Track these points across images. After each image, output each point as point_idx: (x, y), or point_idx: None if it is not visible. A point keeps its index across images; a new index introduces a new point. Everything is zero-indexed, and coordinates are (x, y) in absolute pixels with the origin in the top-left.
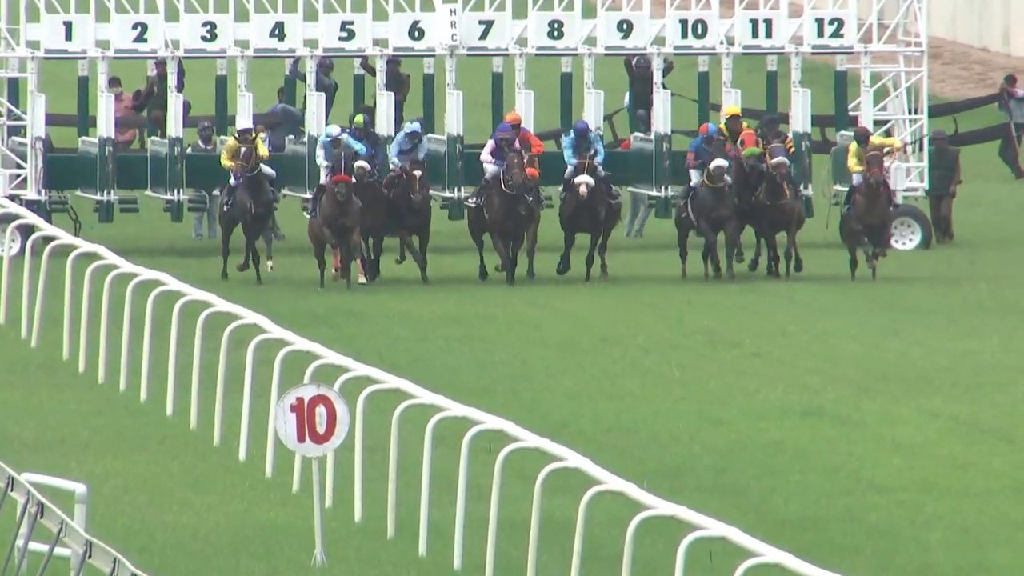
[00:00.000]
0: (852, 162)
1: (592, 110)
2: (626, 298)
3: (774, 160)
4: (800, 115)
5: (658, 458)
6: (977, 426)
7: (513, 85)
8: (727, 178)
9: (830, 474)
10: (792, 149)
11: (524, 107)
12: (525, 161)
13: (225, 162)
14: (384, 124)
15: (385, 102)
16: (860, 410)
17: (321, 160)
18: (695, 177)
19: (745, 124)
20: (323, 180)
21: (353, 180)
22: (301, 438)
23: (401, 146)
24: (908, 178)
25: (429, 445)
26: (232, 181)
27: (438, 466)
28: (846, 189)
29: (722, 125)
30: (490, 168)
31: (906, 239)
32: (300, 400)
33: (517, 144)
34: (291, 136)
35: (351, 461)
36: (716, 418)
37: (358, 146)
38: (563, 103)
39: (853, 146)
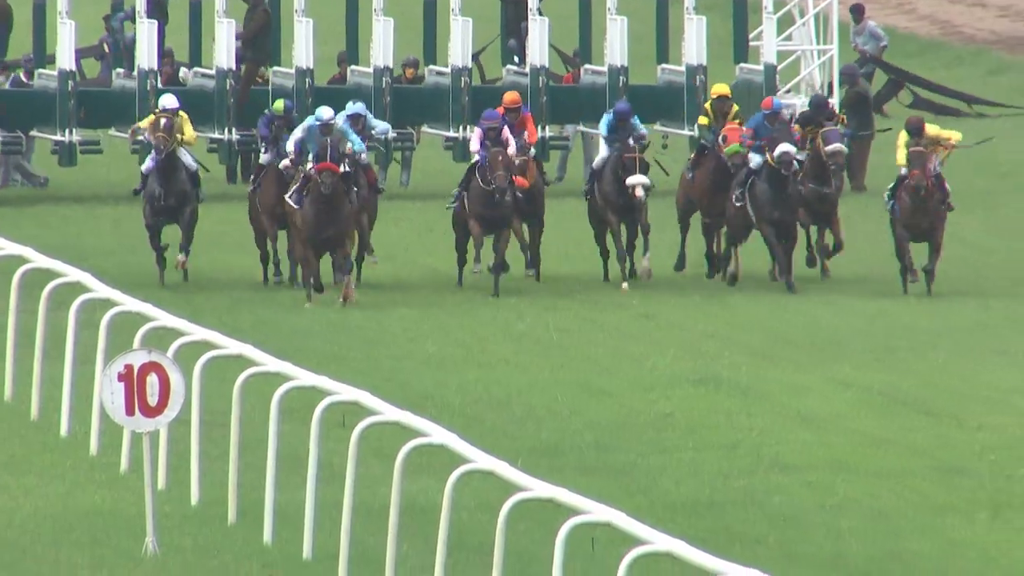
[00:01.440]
0: (900, 155)
1: (459, 41)
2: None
3: (830, 147)
4: (695, 46)
5: (534, 434)
6: (893, 397)
7: (370, 12)
8: (795, 165)
9: (728, 451)
10: (845, 123)
11: (382, 37)
12: (516, 163)
13: (142, 123)
14: (224, 57)
15: (224, 32)
16: (762, 379)
17: (290, 145)
18: (755, 160)
19: (735, 107)
20: (308, 166)
21: (342, 169)
22: (130, 411)
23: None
24: None
25: (275, 419)
26: (147, 163)
27: (285, 443)
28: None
29: (707, 105)
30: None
31: None
32: (129, 368)
33: (507, 133)
34: (119, 70)
35: (187, 437)
36: (599, 389)
37: (356, 141)
38: (427, 33)
39: (903, 137)
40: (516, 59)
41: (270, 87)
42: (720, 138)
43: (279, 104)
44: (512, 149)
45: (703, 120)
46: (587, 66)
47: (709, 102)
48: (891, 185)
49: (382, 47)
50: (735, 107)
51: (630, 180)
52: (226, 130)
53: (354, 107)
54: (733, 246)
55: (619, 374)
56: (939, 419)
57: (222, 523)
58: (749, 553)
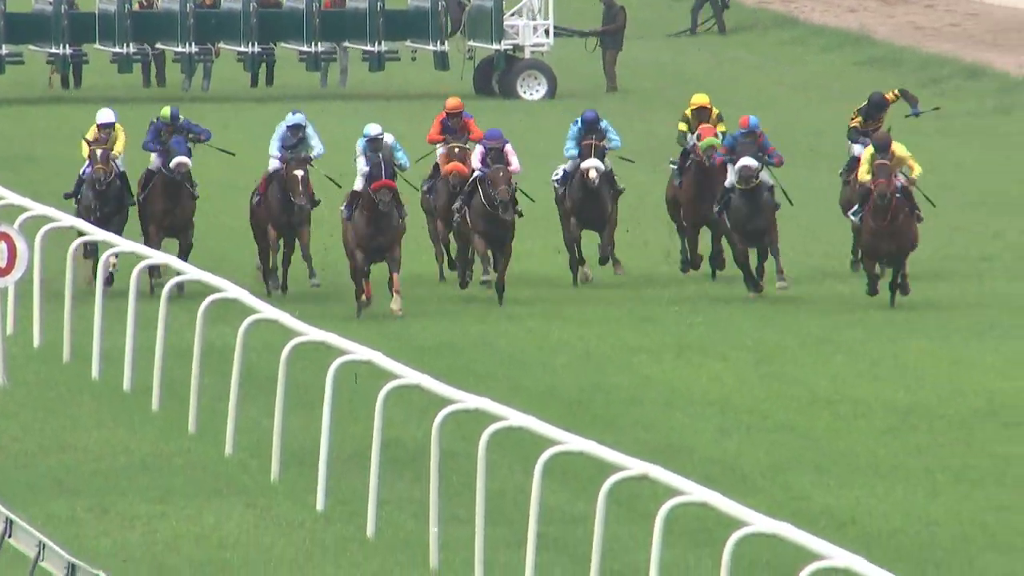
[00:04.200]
0: (863, 171)
1: None
2: None
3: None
4: None
5: (311, 291)
6: (597, 259)
7: None
8: (764, 177)
9: (464, 303)
10: (897, 96)
11: None
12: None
13: (84, 152)
14: None
15: None
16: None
17: (362, 166)
18: (731, 176)
19: (716, 111)
20: (357, 186)
21: (395, 185)
22: None
23: (284, 141)
24: (535, 34)
25: (101, 277)
26: (82, 170)
27: (111, 298)
28: (490, 47)
29: (687, 112)
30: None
31: (533, 91)
32: None
33: (508, 149)
34: None
35: (31, 293)
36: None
37: (402, 156)
38: None
39: (868, 152)
40: None
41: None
42: (695, 136)
43: (165, 111)
44: (515, 167)
45: (682, 126)
46: None
47: (689, 110)
48: (854, 210)
49: None
50: (715, 111)
51: (584, 164)
52: (61, 45)
53: (294, 117)
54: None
55: None
56: (634, 279)
57: (59, 362)
58: (483, 386)
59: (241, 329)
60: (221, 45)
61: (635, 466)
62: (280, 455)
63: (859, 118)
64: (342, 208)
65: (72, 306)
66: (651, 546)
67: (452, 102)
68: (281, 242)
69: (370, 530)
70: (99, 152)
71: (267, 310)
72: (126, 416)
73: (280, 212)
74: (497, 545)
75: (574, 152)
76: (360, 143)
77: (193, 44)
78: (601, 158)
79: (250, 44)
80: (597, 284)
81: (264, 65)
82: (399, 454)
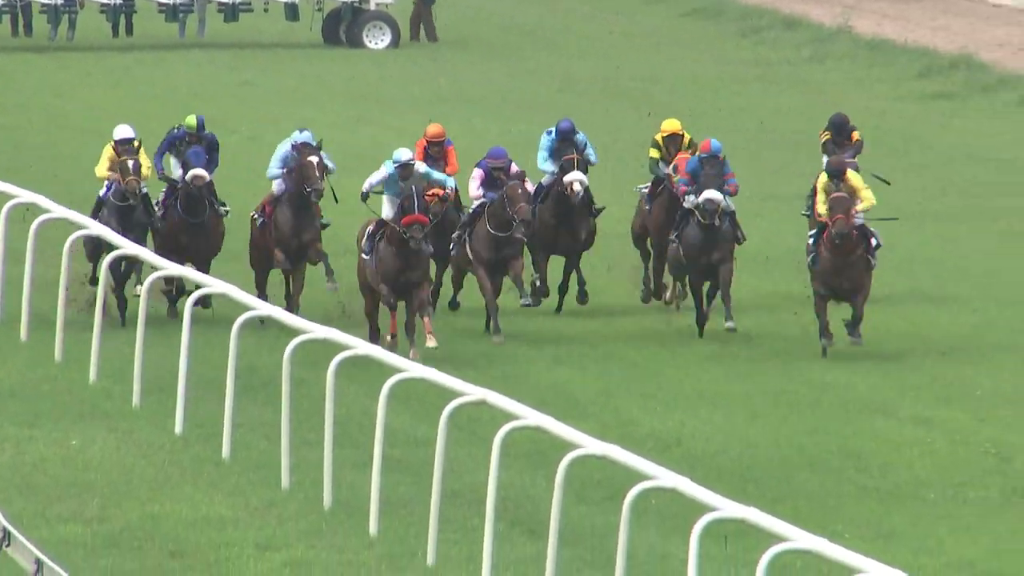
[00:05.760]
0: (820, 200)
1: None
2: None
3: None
4: None
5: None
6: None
7: None
8: (727, 203)
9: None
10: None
11: None
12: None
13: (102, 172)
14: None
15: None
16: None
17: (384, 194)
18: (690, 201)
19: (688, 136)
20: (386, 214)
21: (430, 220)
22: None
23: (286, 162)
24: None
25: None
26: (102, 192)
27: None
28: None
29: (658, 138)
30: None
31: (378, 40)
32: None
33: (515, 168)
34: None
35: None
36: None
37: (439, 176)
38: None
39: (822, 180)
40: None
41: None
42: (672, 168)
43: (191, 120)
44: (529, 185)
45: (654, 153)
46: None
47: (660, 136)
48: (811, 233)
49: None
50: (687, 136)
51: (568, 177)
52: None
53: (302, 135)
54: (678, 281)
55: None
56: None
57: None
58: (330, 317)
59: (104, 263)
60: None
61: (474, 392)
62: (141, 382)
63: (828, 133)
64: (362, 241)
65: None
66: (489, 467)
67: (433, 129)
68: (289, 280)
69: (225, 452)
70: (131, 163)
71: (128, 246)
72: None
73: (291, 235)
74: (345, 465)
75: (550, 167)
76: (387, 168)
77: None
78: (584, 172)
79: None
80: None
81: (124, 16)
82: (253, 381)
